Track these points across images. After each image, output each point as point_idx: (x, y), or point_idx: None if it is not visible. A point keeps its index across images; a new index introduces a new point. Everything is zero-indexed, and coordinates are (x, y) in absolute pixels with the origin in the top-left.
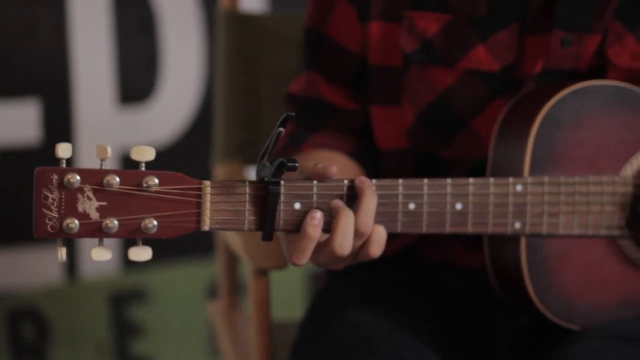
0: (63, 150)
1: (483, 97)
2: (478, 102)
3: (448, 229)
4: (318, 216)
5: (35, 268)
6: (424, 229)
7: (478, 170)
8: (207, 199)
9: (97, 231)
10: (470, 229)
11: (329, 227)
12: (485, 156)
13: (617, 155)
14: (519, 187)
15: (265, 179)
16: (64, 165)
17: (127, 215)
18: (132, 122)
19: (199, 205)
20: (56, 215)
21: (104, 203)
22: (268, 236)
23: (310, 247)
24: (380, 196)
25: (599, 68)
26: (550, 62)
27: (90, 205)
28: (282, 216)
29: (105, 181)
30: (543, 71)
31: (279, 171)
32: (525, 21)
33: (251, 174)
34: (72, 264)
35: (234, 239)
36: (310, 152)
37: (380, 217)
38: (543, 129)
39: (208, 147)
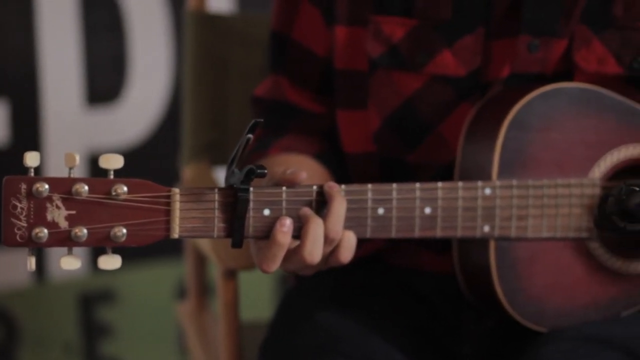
0: (31, 158)
1: (449, 102)
2: (444, 106)
3: (417, 233)
4: (287, 223)
5: (4, 270)
6: (393, 234)
7: (445, 174)
8: (176, 207)
9: (66, 240)
10: (439, 233)
11: (298, 233)
12: (452, 160)
13: (585, 157)
14: (487, 191)
15: (234, 185)
16: (33, 174)
17: (96, 223)
18: (100, 123)
19: (168, 213)
20: (25, 225)
21: (73, 212)
22: (237, 243)
23: (280, 254)
24: (349, 201)
25: (566, 72)
26: (517, 66)
27: (59, 214)
28: (251, 223)
29: (74, 190)
30: (510, 75)
31: (248, 178)
32: (491, 25)
33: (219, 174)
34: (40, 265)
35: (202, 240)
36: (277, 155)
37: (350, 222)
38: (510, 132)
39: (176, 148)
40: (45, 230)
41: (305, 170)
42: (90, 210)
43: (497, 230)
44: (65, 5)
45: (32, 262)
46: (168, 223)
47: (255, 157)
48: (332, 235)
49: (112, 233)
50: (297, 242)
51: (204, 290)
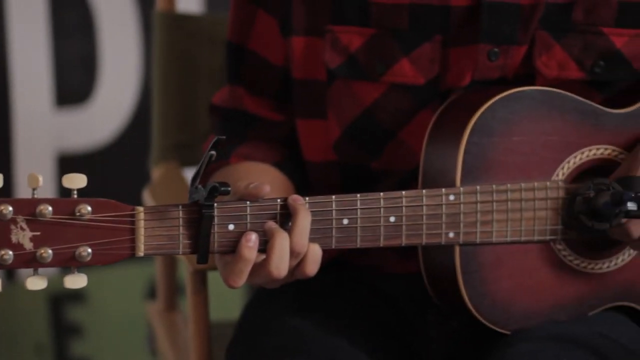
0: None
1: (409, 110)
2: (404, 114)
3: (382, 242)
4: (253, 238)
5: None
6: (358, 244)
7: (409, 180)
8: (141, 225)
9: (31, 261)
10: (404, 241)
11: (264, 247)
12: (415, 166)
13: (549, 159)
14: (451, 197)
15: (199, 202)
16: None
17: (61, 244)
18: (70, 124)
19: (133, 231)
20: None
21: (38, 233)
22: (203, 259)
23: (247, 269)
24: (313, 213)
25: (528, 75)
26: (478, 74)
27: (23, 236)
28: (216, 238)
29: (38, 211)
30: (471, 83)
31: (212, 195)
32: (449, 33)
33: (189, 175)
34: None
35: None
36: (237, 164)
37: (315, 234)
38: (473, 138)
39: (146, 149)
40: (10, 252)
41: (266, 178)
42: (55, 230)
43: (462, 236)
44: (35, 6)
45: None
46: (133, 242)
47: (215, 167)
48: (297, 248)
49: (77, 253)
50: (263, 256)
51: (174, 290)
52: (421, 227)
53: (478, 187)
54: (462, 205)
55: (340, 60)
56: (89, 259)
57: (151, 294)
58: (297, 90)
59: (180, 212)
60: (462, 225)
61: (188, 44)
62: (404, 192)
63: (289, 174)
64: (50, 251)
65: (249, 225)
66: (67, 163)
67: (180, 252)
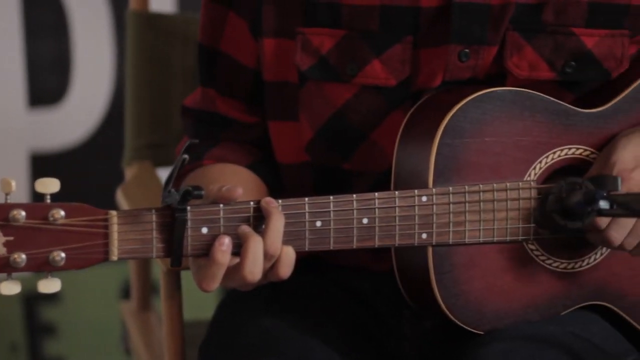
0: None
1: (381, 111)
2: (376, 115)
3: (355, 244)
4: (226, 242)
5: None
6: (332, 246)
7: (382, 181)
8: (114, 229)
9: (5, 266)
10: (377, 243)
11: (238, 250)
12: (387, 167)
13: (521, 160)
14: (424, 198)
15: (172, 205)
16: None
17: (34, 249)
18: (43, 124)
19: (106, 235)
20: None
21: (11, 238)
22: (177, 262)
23: (220, 273)
24: (286, 216)
25: (499, 75)
26: (449, 75)
27: None
28: (189, 242)
29: (11, 216)
30: (442, 83)
31: (185, 199)
32: (419, 34)
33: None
34: None
35: None
36: (210, 166)
37: (288, 236)
38: (445, 139)
39: (120, 148)
40: None
41: (239, 180)
42: (29, 235)
43: (434, 237)
44: (7, 6)
45: None
46: (107, 246)
47: (188, 168)
48: (271, 251)
49: (50, 258)
50: (236, 260)
51: (148, 290)
52: (394, 228)
53: (450, 188)
54: (434, 206)
55: (311, 62)
56: (62, 263)
57: (125, 293)
58: (268, 92)
59: (154, 216)
60: (434, 226)
61: (161, 43)
62: (376, 194)
63: (262, 175)
64: (24, 256)
65: (222, 228)
66: (40, 163)
67: (154, 256)
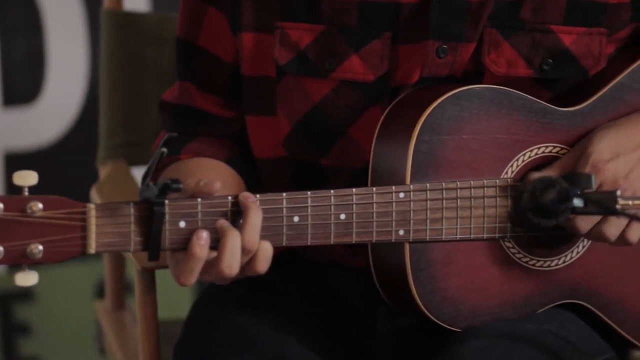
0: None
1: (359, 106)
2: (354, 111)
3: (333, 239)
4: (204, 236)
5: None
6: (309, 241)
7: (359, 177)
8: (92, 222)
9: None
10: (354, 239)
11: (216, 244)
12: (365, 163)
13: (498, 157)
14: (401, 195)
15: (150, 199)
16: None
17: (12, 241)
18: (18, 123)
19: (84, 228)
20: None
21: None
22: (154, 256)
23: (198, 267)
24: (264, 211)
25: (476, 72)
26: (426, 71)
27: None
28: (167, 235)
29: None
30: (419, 80)
31: (163, 192)
32: (398, 30)
33: (137, 173)
34: None
35: None
36: (188, 160)
37: (265, 231)
38: (423, 136)
39: (94, 147)
40: None
41: (217, 175)
42: (6, 228)
43: (412, 233)
44: None
45: None
46: (84, 239)
47: (166, 162)
48: (249, 246)
49: (28, 250)
50: (214, 254)
51: (123, 289)
52: (371, 224)
53: (428, 185)
54: (412, 203)
55: (289, 57)
56: (40, 256)
57: (100, 292)
58: (246, 87)
59: (132, 210)
60: (412, 222)
61: (135, 42)
62: (354, 190)
63: (239, 170)
64: (1, 248)
65: (200, 222)
66: (15, 162)
67: (132, 250)
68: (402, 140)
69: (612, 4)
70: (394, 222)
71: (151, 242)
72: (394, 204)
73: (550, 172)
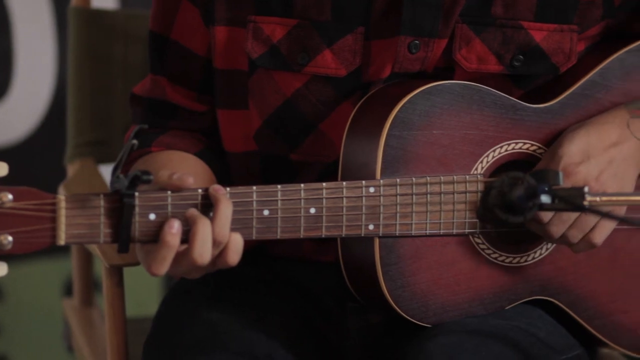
0: None
1: (330, 101)
2: (325, 105)
3: (302, 233)
4: (176, 225)
5: None
6: (279, 235)
7: (329, 172)
8: (62, 214)
9: None
10: (324, 233)
11: (186, 237)
12: (335, 158)
13: (468, 153)
14: (371, 190)
15: (120, 191)
16: None
17: None
18: None
19: (54, 220)
20: None
21: None
22: (124, 248)
23: (170, 256)
24: (234, 204)
25: (447, 68)
26: (398, 66)
27: None
28: (137, 227)
29: None
30: (391, 75)
31: (134, 184)
32: (370, 25)
33: (105, 171)
34: None
35: None
36: (159, 153)
37: (236, 224)
38: (393, 131)
39: (62, 145)
40: None
41: (188, 168)
42: None
43: (381, 228)
44: None
45: None
46: (54, 230)
47: (136, 155)
48: (219, 238)
49: None
50: (184, 246)
51: (90, 286)
52: (341, 218)
53: (398, 180)
54: (381, 198)
55: (262, 51)
56: (9, 247)
57: (68, 290)
58: (218, 80)
59: (102, 201)
60: (381, 217)
61: (103, 39)
62: (324, 184)
63: (210, 164)
64: None
65: (170, 215)
66: None
67: (101, 241)
68: (372, 135)
69: (583, 1)
70: (363, 217)
71: (121, 234)
72: (363, 198)
73: None
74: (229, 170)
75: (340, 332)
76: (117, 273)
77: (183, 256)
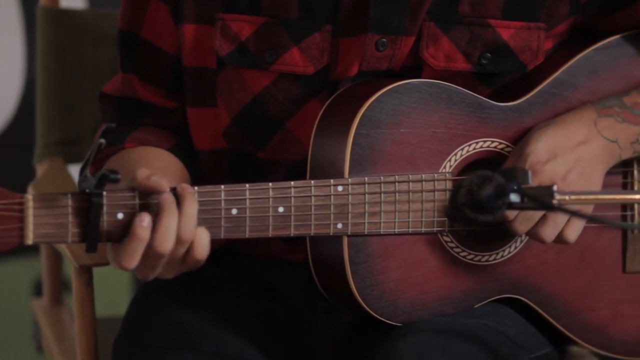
0: None
1: (298, 99)
2: (293, 103)
3: (271, 232)
4: (147, 219)
5: None
6: (247, 234)
7: (298, 170)
8: (30, 213)
9: None
10: (293, 232)
11: None
12: (304, 157)
13: (436, 151)
14: (339, 188)
15: (87, 190)
16: None
17: None
18: None
19: (22, 219)
20: None
21: None
22: (92, 248)
23: (140, 249)
24: (202, 203)
25: (415, 66)
26: (365, 64)
27: None
28: (105, 227)
29: None
30: (359, 73)
31: (101, 183)
32: (338, 23)
33: (74, 171)
34: None
35: None
36: (133, 148)
37: (203, 223)
38: (361, 129)
39: (31, 145)
40: None
41: (162, 162)
42: None
43: (350, 227)
44: None
45: None
46: (22, 230)
47: (110, 151)
48: (184, 236)
49: None
50: None
51: (60, 286)
52: (310, 217)
53: (366, 179)
54: (350, 196)
55: (230, 48)
56: None
57: (37, 290)
58: (187, 78)
59: (70, 201)
60: (350, 216)
61: (71, 39)
62: (292, 183)
63: (183, 160)
64: None
65: (137, 214)
66: None
67: (69, 241)
68: (340, 134)
69: None
70: (332, 215)
71: (89, 233)
72: (332, 197)
73: None
74: (200, 167)
75: (311, 331)
76: (86, 273)
77: (147, 248)
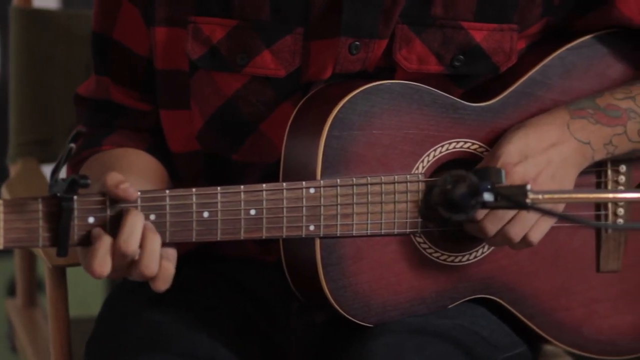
0: None
1: (270, 102)
2: (265, 106)
3: (243, 235)
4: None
5: None
6: (219, 237)
7: (271, 172)
8: (0, 218)
9: None
10: (265, 234)
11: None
12: (277, 159)
13: (409, 153)
14: (312, 190)
15: (58, 194)
16: None
17: None
18: None
19: None
20: None
21: None
22: (63, 252)
23: (104, 249)
24: (174, 206)
25: (388, 68)
26: (339, 67)
27: None
28: (76, 231)
29: None
30: (332, 76)
31: (72, 188)
32: (310, 26)
33: (47, 171)
34: None
35: None
36: (111, 149)
37: (175, 227)
38: (333, 131)
39: (4, 145)
40: None
41: (141, 163)
42: None
43: (322, 229)
44: None
45: None
46: None
47: (87, 154)
48: (147, 272)
49: None
50: None
51: (34, 286)
52: (282, 219)
53: (338, 180)
54: (322, 198)
55: (202, 51)
56: None
57: (11, 290)
58: (160, 81)
59: (40, 205)
60: (322, 217)
61: (45, 39)
62: (264, 185)
63: (161, 160)
64: None
65: (108, 217)
66: None
67: (40, 245)
68: (312, 136)
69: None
70: (304, 218)
71: (59, 237)
72: (304, 199)
73: None
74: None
75: (285, 332)
76: (60, 273)
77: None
